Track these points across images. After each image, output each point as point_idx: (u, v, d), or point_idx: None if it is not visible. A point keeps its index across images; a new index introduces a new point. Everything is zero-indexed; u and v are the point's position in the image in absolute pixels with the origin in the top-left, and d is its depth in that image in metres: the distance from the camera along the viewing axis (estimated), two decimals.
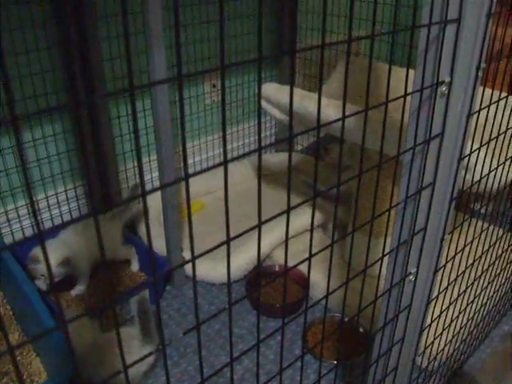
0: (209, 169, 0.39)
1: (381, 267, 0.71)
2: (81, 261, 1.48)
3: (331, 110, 1.25)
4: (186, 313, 1.53)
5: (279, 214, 0.46)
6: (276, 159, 2.29)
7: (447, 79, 0.59)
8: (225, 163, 0.39)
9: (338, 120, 0.44)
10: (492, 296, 1.30)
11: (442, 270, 0.88)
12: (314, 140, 2.32)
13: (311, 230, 0.50)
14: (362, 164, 0.55)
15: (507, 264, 1.31)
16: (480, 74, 0.68)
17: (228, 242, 0.44)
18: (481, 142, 0.82)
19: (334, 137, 2.03)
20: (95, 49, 1.60)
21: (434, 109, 0.61)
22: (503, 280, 1.34)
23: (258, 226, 0.46)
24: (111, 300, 0.38)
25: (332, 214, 1.76)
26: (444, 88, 0.60)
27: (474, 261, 1.04)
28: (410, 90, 0.62)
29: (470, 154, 0.76)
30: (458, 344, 1.22)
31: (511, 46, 0.93)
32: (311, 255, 0.50)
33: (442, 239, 0.79)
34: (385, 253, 0.71)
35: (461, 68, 0.61)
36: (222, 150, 2.25)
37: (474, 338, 1.36)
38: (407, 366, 0.92)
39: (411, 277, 0.75)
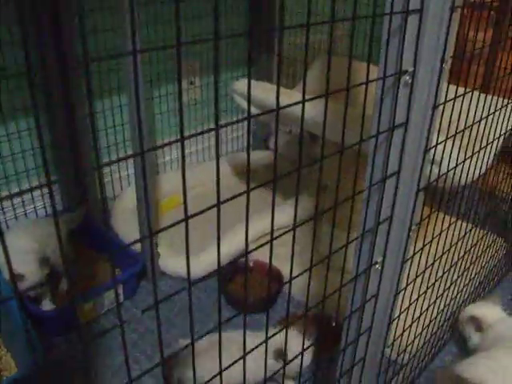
0: None
1: (345, 256, 0.72)
2: (57, 256, 1.47)
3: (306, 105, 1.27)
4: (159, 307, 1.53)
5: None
6: (254, 157, 2.29)
7: (410, 69, 0.61)
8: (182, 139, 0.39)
9: (296, 103, 0.45)
10: (462, 290, 1.32)
11: (410, 262, 0.89)
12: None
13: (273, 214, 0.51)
14: (324, 153, 0.56)
15: (476, 258, 1.33)
16: (445, 66, 0.69)
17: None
18: (447, 135, 0.84)
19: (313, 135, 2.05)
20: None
21: (397, 98, 0.62)
22: (473, 274, 1.37)
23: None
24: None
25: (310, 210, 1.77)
26: (407, 77, 0.61)
27: (443, 253, 1.06)
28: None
29: (435, 146, 0.78)
30: (427, 337, 1.24)
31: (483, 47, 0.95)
32: (272, 239, 0.51)
33: (410, 230, 0.80)
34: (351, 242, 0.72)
35: (425, 59, 0.63)
36: (199, 146, 2.25)
37: (444, 331, 1.38)
38: (376, 356, 0.93)
39: (377, 266, 0.76)
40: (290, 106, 0.46)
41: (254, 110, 1.52)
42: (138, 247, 1.61)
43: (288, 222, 1.71)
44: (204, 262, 1.56)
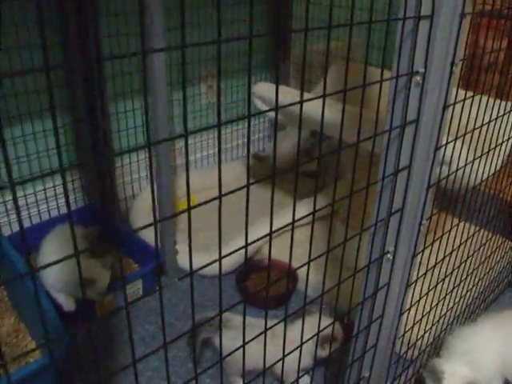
0: None
1: (358, 249, 0.77)
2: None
3: (317, 106, 1.32)
4: (176, 303, 1.58)
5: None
6: (270, 160, 2.35)
7: (421, 70, 0.66)
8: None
9: (296, 103, 0.50)
10: (471, 289, 1.36)
11: (421, 256, 0.94)
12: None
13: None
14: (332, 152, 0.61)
15: (485, 258, 1.37)
16: (455, 69, 0.74)
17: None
18: (456, 136, 0.89)
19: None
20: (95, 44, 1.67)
21: (408, 97, 0.67)
22: (482, 274, 1.41)
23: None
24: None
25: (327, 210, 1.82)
26: (418, 78, 0.66)
27: (453, 250, 1.10)
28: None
29: (445, 145, 0.83)
30: (437, 333, 1.28)
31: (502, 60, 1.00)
32: (270, 230, 0.56)
33: (420, 224, 0.85)
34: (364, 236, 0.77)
35: (435, 61, 0.67)
36: (216, 149, 2.31)
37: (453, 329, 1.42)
38: (387, 346, 0.97)
39: (389, 255, 0.81)
40: (290, 105, 0.52)
41: (272, 113, 1.57)
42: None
43: (303, 221, 1.76)
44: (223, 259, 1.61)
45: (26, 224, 1.77)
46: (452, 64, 0.71)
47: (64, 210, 1.86)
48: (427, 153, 0.76)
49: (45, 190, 1.80)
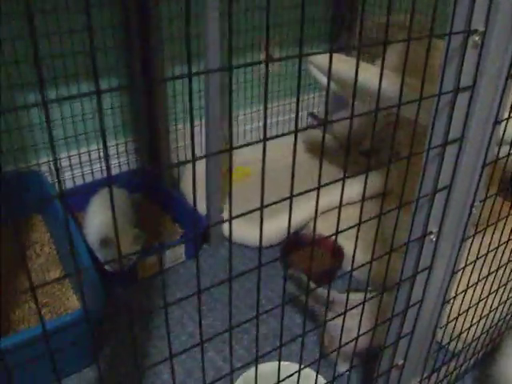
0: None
1: (395, 230, 0.71)
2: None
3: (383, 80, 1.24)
4: (217, 271, 1.57)
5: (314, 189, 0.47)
6: (326, 135, 2.28)
7: (481, 28, 0.58)
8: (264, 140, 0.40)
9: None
10: None
11: (471, 242, 0.86)
12: None
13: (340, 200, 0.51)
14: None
15: None
16: None
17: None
18: None
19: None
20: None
21: (463, 59, 0.59)
22: None
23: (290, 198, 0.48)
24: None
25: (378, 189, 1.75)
26: (477, 38, 0.58)
27: (509, 239, 1.01)
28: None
29: (507, 119, 0.74)
30: (486, 328, 1.19)
31: None
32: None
33: (472, 206, 0.77)
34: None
35: (500, 18, 0.59)
36: (273, 120, 2.27)
37: (507, 325, 1.32)
38: (426, 336, 0.91)
39: (432, 236, 0.74)
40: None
41: (332, 83, 1.51)
42: (203, 210, 1.66)
43: (355, 198, 1.70)
44: (267, 231, 1.58)
45: (79, 182, 1.81)
46: None
47: (117, 171, 1.88)
48: (484, 126, 0.68)
49: (98, 149, 1.82)
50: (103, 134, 0.39)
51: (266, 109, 0.41)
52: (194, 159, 0.40)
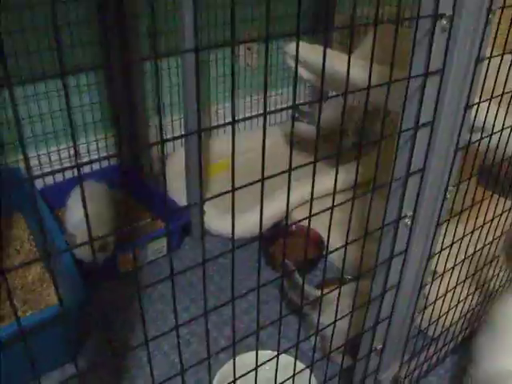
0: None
1: (369, 214, 0.72)
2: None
3: (357, 69, 1.25)
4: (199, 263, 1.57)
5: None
6: (307, 127, 2.29)
7: (448, 13, 0.59)
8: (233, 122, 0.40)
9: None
10: (506, 269, 1.28)
11: (446, 227, 0.88)
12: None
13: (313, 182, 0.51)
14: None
15: None
16: (491, 17, 0.67)
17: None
18: (491, 96, 0.81)
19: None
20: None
21: (432, 44, 0.60)
22: None
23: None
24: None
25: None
26: (445, 21, 0.59)
27: (484, 224, 1.03)
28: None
29: (478, 104, 0.75)
30: (464, 312, 1.21)
31: None
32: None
33: (446, 190, 0.78)
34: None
35: (467, 4, 0.60)
36: (253, 113, 2.27)
37: (485, 310, 1.35)
38: (404, 320, 0.92)
39: (407, 220, 0.75)
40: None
41: (306, 74, 1.51)
42: (184, 203, 1.66)
43: (338, 188, 1.71)
44: (246, 223, 1.59)
45: (59, 179, 1.79)
46: (489, 11, 0.64)
47: (96, 167, 1.87)
48: (455, 110, 0.69)
49: (78, 145, 1.81)
50: (70, 121, 0.39)
51: (233, 90, 0.42)
52: (163, 140, 0.40)
